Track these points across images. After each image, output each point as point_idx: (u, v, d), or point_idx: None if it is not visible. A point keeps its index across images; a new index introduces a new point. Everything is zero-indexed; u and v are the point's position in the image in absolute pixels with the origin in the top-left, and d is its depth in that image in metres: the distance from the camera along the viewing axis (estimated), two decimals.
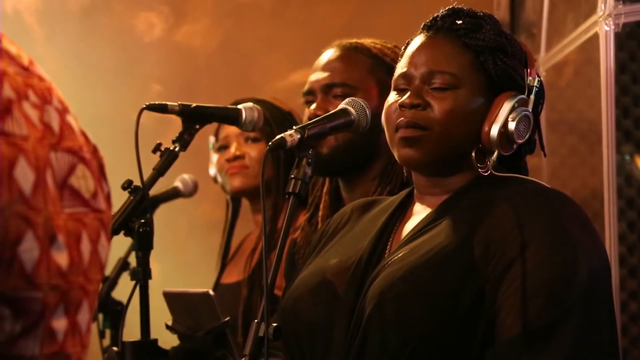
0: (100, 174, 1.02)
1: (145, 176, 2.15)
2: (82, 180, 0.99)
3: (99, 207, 1.00)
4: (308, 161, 1.89)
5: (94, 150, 1.03)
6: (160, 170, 2.20)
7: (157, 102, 2.18)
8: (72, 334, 0.96)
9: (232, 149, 3.23)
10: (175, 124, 2.25)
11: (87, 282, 0.98)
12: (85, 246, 0.98)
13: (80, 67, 4.40)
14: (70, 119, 1.01)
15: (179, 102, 2.20)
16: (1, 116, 0.91)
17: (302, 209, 2.82)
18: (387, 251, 1.96)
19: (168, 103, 2.19)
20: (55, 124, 0.97)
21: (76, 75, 4.36)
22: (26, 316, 0.91)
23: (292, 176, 1.87)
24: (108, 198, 1.03)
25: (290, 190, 1.86)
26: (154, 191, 2.29)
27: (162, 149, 2.21)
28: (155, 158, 2.21)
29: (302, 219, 2.78)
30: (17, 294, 0.90)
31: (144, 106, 2.15)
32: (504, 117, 1.90)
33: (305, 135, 1.90)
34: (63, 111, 1.00)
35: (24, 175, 0.91)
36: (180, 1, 4.55)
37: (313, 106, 2.56)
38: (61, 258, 0.94)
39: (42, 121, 0.96)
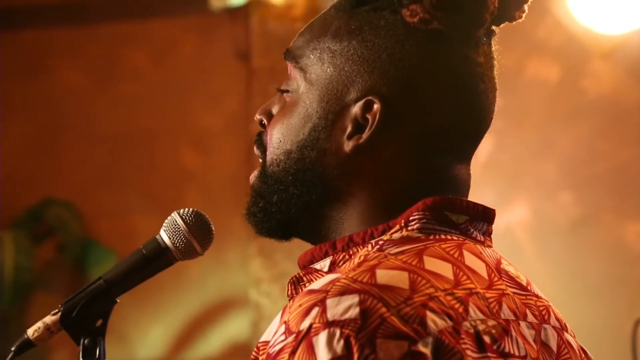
0: None
1: None
2: None
3: None
4: None
5: None
6: None
7: None
8: None
9: None
10: None
11: None
12: None
13: (570, 279, 4.46)
14: (568, 337, 1.04)
15: None
16: (500, 337, 0.94)
17: None
18: None
19: None
20: (553, 343, 1.01)
21: (566, 288, 4.42)
22: None
23: None
24: None
25: None
26: None
27: None
28: None
29: None
30: None
31: None
32: None
33: None
34: (561, 329, 1.04)
35: None
36: None
37: None
38: None
39: (539, 340, 0.99)
